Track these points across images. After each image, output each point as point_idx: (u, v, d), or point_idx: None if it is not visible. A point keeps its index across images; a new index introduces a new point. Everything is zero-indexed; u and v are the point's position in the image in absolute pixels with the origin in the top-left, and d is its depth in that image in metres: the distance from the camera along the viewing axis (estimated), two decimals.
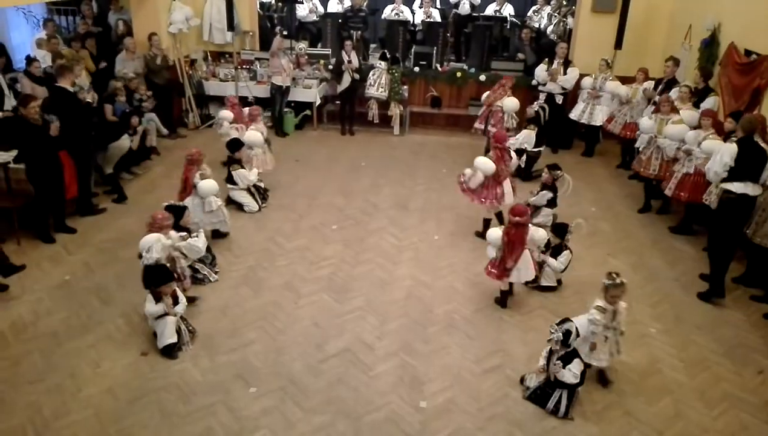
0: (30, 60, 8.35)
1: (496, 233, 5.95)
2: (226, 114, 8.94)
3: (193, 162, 6.82)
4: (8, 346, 5.25)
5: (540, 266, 6.30)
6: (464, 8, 12.60)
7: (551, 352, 4.76)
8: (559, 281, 6.38)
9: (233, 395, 4.82)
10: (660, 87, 8.81)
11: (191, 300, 5.76)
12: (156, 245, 5.26)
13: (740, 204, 6.07)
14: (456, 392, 4.94)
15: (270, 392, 4.87)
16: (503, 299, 6.06)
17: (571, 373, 4.65)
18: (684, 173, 7.21)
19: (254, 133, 8.19)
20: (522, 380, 5.02)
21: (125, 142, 8.04)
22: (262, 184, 8.08)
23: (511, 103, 9.36)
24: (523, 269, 5.86)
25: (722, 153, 6.05)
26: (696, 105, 7.96)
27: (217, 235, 7.03)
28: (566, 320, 4.76)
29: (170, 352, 5.18)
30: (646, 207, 8.27)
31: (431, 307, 6.04)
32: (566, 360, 4.69)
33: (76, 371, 5.00)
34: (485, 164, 7.02)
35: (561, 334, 4.65)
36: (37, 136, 6.62)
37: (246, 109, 8.98)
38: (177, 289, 5.37)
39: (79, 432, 4.42)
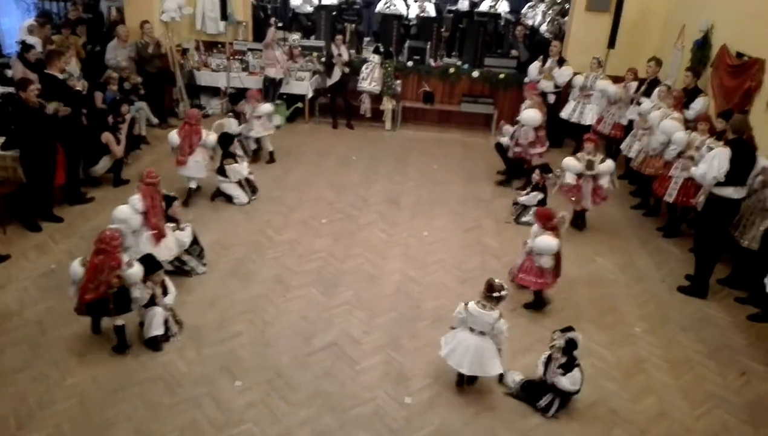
0: (27, 46, 8.25)
1: (553, 241, 5.74)
2: (268, 107, 8.93)
3: (158, 182, 6.07)
4: None
5: None
6: (463, 5, 12.57)
7: (550, 358, 4.77)
8: None
9: (219, 388, 4.81)
10: (642, 87, 8.83)
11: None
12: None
13: (726, 205, 6.12)
14: (441, 388, 4.96)
15: (256, 384, 4.86)
16: (541, 302, 6.01)
17: (570, 381, 4.65)
18: (687, 178, 7.00)
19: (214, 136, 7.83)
20: (501, 378, 5.03)
21: (103, 163, 7.94)
22: (252, 177, 8.04)
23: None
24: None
25: (719, 158, 5.97)
26: (686, 105, 7.97)
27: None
28: (570, 328, 4.75)
29: (155, 344, 5.15)
30: (644, 206, 8.32)
31: (419, 302, 6.05)
32: (566, 368, 4.68)
33: (61, 360, 4.98)
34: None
35: (564, 341, 4.65)
36: (35, 120, 6.56)
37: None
38: (166, 279, 5.35)
39: (63, 421, 4.41)
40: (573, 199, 7.41)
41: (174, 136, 7.66)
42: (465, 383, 4.95)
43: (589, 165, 7.26)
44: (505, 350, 5.35)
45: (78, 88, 7.48)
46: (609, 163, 7.29)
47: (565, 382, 4.66)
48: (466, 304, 4.75)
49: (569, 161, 7.35)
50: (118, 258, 5.01)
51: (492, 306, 4.70)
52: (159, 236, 5.89)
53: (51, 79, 7.02)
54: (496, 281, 4.75)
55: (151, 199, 5.88)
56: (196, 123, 7.64)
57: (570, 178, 7.31)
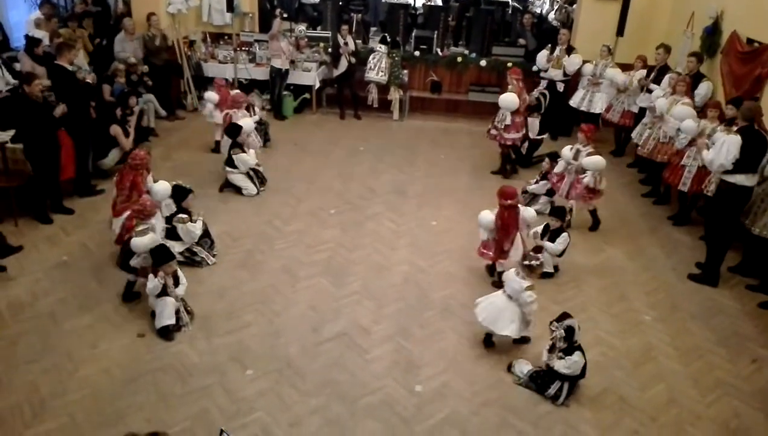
0: (34, 40, 8.28)
1: (487, 216, 6.03)
2: (212, 96, 8.86)
3: (142, 166, 6.22)
4: (6, 326, 5.27)
5: (538, 251, 6.31)
6: None
7: (553, 346, 4.79)
8: (556, 268, 6.40)
9: (230, 377, 4.84)
10: (652, 74, 8.76)
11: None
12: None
13: (738, 193, 6.07)
14: (451, 377, 4.98)
15: (266, 374, 4.89)
16: (492, 269, 6.30)
17: (564, 364, 4.67)
18: (700, 166, 6.95)
19: (245, 121, 7.99)
20: (509, 368, 5.05)
21: (112, 156, 7.96)
22: (260, 169, 8.06)
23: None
24: (516, 250, 6.00)
25: (728, 145, 5.92)
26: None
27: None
28: (566, 315, 4.77)
29: (167, 333, 5.20)
30: (654, 194, 8.29)
31: (428, 292, 6.06)
32: (567, 353, 4.70)
33: (73, 351, 5.02)
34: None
35: (563, 330, 4.67)
36: (38, 114, 6.60)
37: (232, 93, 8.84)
38: (178, 269, 5.39)
39: (75, 412, 4.45)
40: (556, 187, 7.35)
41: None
42: (484, 344, 5.33)
43: (576, 155, 7.14)
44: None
45: (88, 81, 7.51)
46: (595, 160, 6.96)
47: (560, 365, 4.68)
48: (532, 288, 5.04)
49: (565, 149, 7.34)
50: (131, 222, 5.69)
51: (524, 275, 4.96)
52: (115, 214, 6.20)
53: (60, 70, 7.04)
54: (532, 251, 5.02)
55: (121, 179, 6.18)
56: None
57: (560, 167, 7.29)
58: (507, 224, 5.91)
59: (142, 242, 5.34)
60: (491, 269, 6.32)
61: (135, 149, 8.19)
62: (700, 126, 6.99)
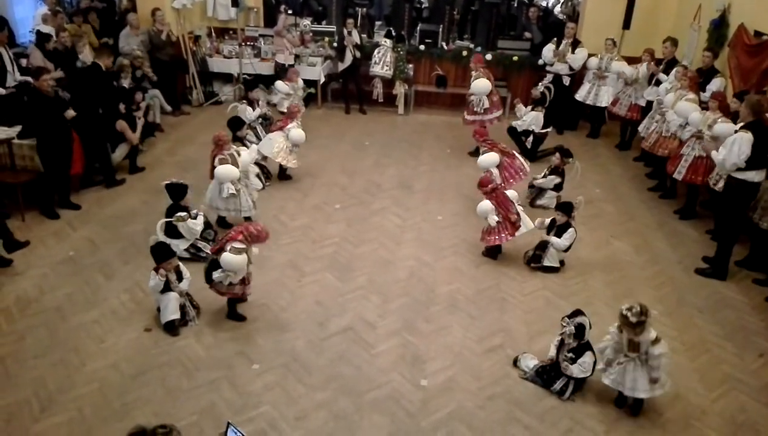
0: (45, 36, 8.32)
1: (486, 203, 6.33)
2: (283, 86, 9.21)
3: (217, 145, 6.57)
4: (13, 321, 5.30)
5: (544, 246, 6.32)
6: None
7: (562, 342, 4.77)
8: (561, 262, 6.39)
9: (236, 371, 4.86)
10: (660, 67, 8.72)
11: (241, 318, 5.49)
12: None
13: (746, 188, 6.04)
14: (457, 371, 4.98)
15: (272, 368, 4.91)
16: (494, 252, 6.56)
17: (579, 368, 4.65)
18: (696, 156, 7.04)
19: (299, 132, 7.87)
20: (515, 362, 5.05)
21: (120, 151, 8.00)
22: (266, 163, 8.05)
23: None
24: (525, 218, 6.38)
25: (740, 143, 5.84)
26: (702, 86, 7.87)
27: (223, 223, 6.82)
28: (578, 312, 4.74)
29: (172, 328, 5.22)
30: (661, 188, 8.24)
31: (433, 287, 6.06)
32: (577, 352, 4.68)
33: (80, 345, 5.05)
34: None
35: (573, 327, 4.65)
36: (50, 108, 6.64)
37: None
38: (181, 265, 5.40)
39: (83, 406, 4.47)
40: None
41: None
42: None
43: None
44: (523, 334, 5.41)
45: (124, 85, 7.81)
46: (486, 157, 7.11)
47: (576, 370, 4.66)
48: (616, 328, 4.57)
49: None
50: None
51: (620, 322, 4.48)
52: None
53: (96, 69, 7.37)
54: (636, 307, 4.36)
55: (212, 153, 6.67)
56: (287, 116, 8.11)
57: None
58: (502, 202, 6.30)
59: (232, 260, 5.06)
60: (493, 253, 6.54)
61: (141, 145, 8.34)
62: (704, 117, 6.96)
